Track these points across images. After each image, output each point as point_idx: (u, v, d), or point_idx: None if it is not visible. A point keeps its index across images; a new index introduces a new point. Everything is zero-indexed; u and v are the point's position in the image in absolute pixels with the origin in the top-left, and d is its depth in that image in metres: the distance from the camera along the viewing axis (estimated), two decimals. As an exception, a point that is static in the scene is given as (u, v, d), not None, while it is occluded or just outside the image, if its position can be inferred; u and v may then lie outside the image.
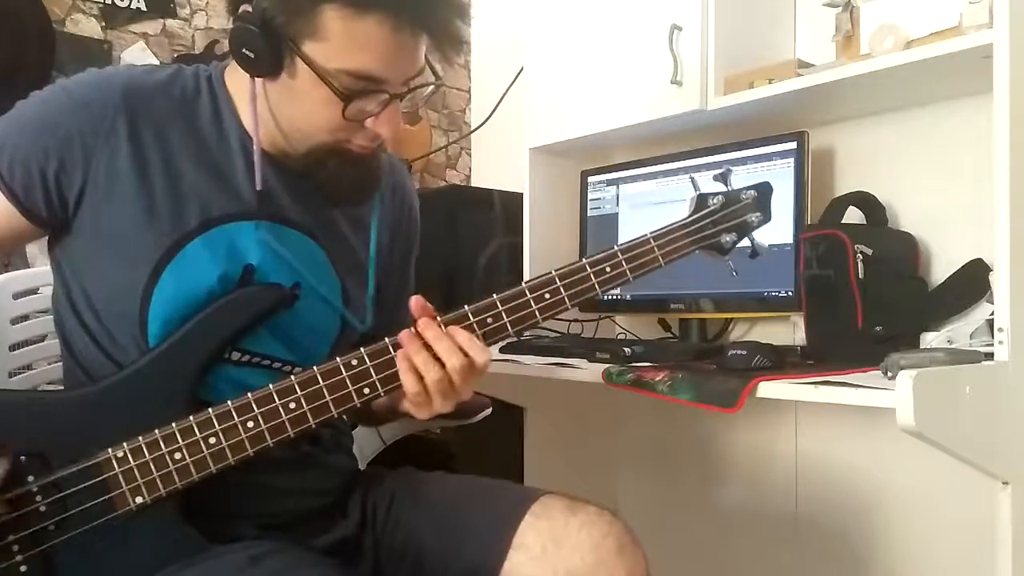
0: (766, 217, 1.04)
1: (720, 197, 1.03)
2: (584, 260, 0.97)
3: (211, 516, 0.91)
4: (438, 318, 0.91)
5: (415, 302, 0.91)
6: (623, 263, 0.97)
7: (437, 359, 0.88)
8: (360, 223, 1.06)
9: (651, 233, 0.99)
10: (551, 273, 0.95)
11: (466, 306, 0.93)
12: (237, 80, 0.97)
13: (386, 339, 0.91)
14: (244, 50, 0.88)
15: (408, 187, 1.16)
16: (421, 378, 0.88)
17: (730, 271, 1.04)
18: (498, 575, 0.94)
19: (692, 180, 1.06)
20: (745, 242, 1.04)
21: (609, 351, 1.40)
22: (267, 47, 0.87)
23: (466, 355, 0.88)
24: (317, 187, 0.96)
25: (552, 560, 0.92)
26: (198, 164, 0.94)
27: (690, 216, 1.02)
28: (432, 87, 0.96)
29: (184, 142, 0.94)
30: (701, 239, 1.01)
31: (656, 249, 0.98)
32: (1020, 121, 1.06)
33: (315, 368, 0.89)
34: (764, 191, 1.04)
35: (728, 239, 1.02)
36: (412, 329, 0.90)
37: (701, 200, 1.03)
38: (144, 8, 1.96)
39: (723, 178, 1.04)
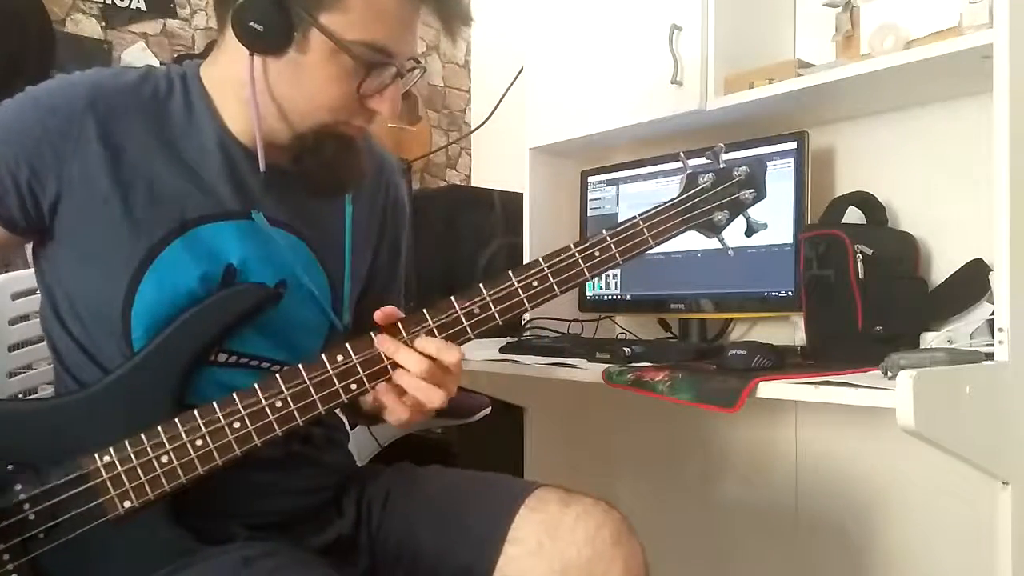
0: (760, 194, 1.01)
1: (711, 175, 0.99)
2: (572, 246, 0.95)
3: (203, 517, 0.90)
4: (400, 327, 0.91)
5: (380, 315, 0.91)
6: (612, 247, 0.95)
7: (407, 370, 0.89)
8: (341, 216, 1.04)
9: (640, 215, 0.97)
10: (539, 261, 0.94)
11: (452, 297, 0.92)
12: (216, 75, 0.96)
13: (371, 333, 0.91)
14: (252, 23, 0.86)
15: (390, 168, 1.14)
16: (402, 393, 0.90)
17: (726, 250, 1.02)
18: (494, 570, 0.93)
19: (682, 158, 1.03)
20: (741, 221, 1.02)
21: (609, 351, 1.40)
22: (279, 20, 0.86)
23: (434, 359, 0.89)
24: (306, 174, 0.95)
25: (548, 553, 0.91)
26: (172, 165, 0.93)
27: (680, 195, 0.99)
28: (421, 70, 0.98)
29: (157, 143, 0.93)
30: (692, 218, 0.99)
31: (646, 231, 0.96)
32: (1020, 121, 1.06)
33: (300, 366, 0.89)
34: (757, 167, 1.01)
35: (720, 217, 0.99)
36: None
37: (691, 178, 1.00)
38: (144, 8, 1.96)
39: (715, 155, 1.01)
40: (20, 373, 1.20)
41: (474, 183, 2.51)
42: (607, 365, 1.35)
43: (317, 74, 0.89)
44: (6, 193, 0.90)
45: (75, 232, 0.91)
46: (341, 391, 0.89)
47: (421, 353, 0.89)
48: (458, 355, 0.90)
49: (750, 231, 1.02)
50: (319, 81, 0.89)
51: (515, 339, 1.64)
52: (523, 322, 1.80)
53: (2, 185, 0.89)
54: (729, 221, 1.01)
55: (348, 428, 1.14)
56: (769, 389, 1.12)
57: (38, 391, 1.22)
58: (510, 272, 0.94)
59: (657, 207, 0.98)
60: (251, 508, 0.95)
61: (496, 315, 0.93)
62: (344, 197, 1.03)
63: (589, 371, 1.35)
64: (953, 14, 1.22)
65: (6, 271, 1.21)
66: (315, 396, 0.89)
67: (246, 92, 0.91)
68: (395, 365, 0.90)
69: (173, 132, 0.94)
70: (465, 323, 0.92)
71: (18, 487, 0.84)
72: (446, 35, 0.94)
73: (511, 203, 1.93)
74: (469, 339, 0.93)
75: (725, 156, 1.02)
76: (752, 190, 1.00)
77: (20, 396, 1.19)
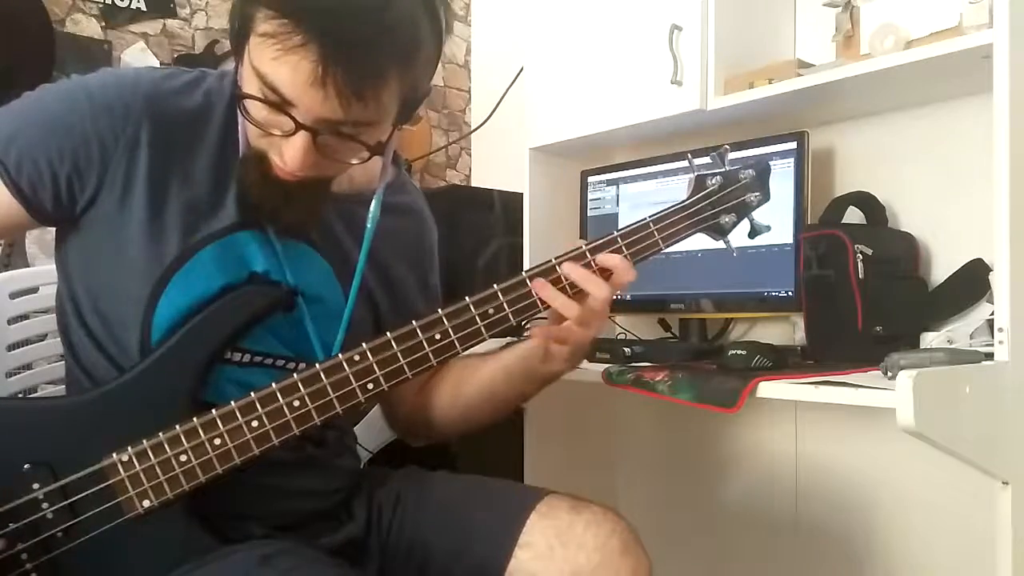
0: (765, 196, 1.03)
1: (718, 178, 1.01)
2: (584, 245, 0.96)
3: (218, 517, 0.90)
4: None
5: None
6: (623, 248, 0.97)
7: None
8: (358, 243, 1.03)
9: (650, 217, 0.99)
10: (551, 261, 0.95)
11: (467, 298, 0.93)
12: None
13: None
14: (229, 22, 0.85)
15: (420, 210, 1.14)
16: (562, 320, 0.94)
17: (730, 252, 1.03)
18: (504, 573, 0.94)
19: (689, 160, 1.04)
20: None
21: (609, 351, 1.41)
22: (235, 30, 0.84)
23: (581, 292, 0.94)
24: (240, 193, 0.92)
25: (558, 559, 0.92)
26: (211, 172, 0.93)
27: (689, 198, 1.01)
28: (362, 157, 0.88)
29: (201, 149, 0.93)
30: (700, 221, 1.00)
31: (656, 233, 0.98)
32: (1020, 121, 1.06)
33: (318, 365, 0.89)
34: (762, 169, 1.03)
35: (727, 220, 1.01)
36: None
37: (699, 181, 1.02)
38: (144, 8, 1.96)
39: (720, 157, 1.03)
40: (19, 373, 1.20)
41: (474, 183, 2.51)
42: (607, 365, 1.35)
43: (243, 87, 0.86)
44: (43, 185, 0.89)
45: (107, 230, 0.91)
46: (358, 390, 0.90)
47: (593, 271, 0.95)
48: (606, 292, 0.93)
49: (754, 233, 1.04)
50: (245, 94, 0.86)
51: (515, 340, 1.64)
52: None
53: (40, 177, 0.89)
54: (736, 223, 1.02)
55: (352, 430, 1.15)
56: (769, 389, 1.12)
57: (38, 391, 1.22)
58: (523, 272, 0.95)
59: (667, 209, 1.00)
60: (266, 509, 0.95)
61: (511, 316, 0.94)
62: (365, 226, 1.00)
63: (589, 371, 1.35)
64: (953, 14, 1.22)
65: (5, 270, 1.21)
66: (332, 396, 0.89)
67: None
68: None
69: (215, 139, 0.94)
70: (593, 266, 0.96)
71: (36, 486, 0.84)
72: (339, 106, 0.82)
73: (511, 203, 1.93)
74: (485, 339, 0.94)
75: (730, 157, 1.02)
76: (758, 193, 1.02)
77: (20, 396, 1.19)
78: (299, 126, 0.82)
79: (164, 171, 0.91)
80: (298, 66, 0.78)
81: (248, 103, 0.84)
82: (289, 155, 0.84)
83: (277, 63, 0.79)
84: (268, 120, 0.85)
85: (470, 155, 2.54)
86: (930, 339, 1.28)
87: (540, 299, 0.94)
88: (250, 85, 0.83)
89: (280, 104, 0.82)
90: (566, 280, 0.94)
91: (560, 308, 0.93)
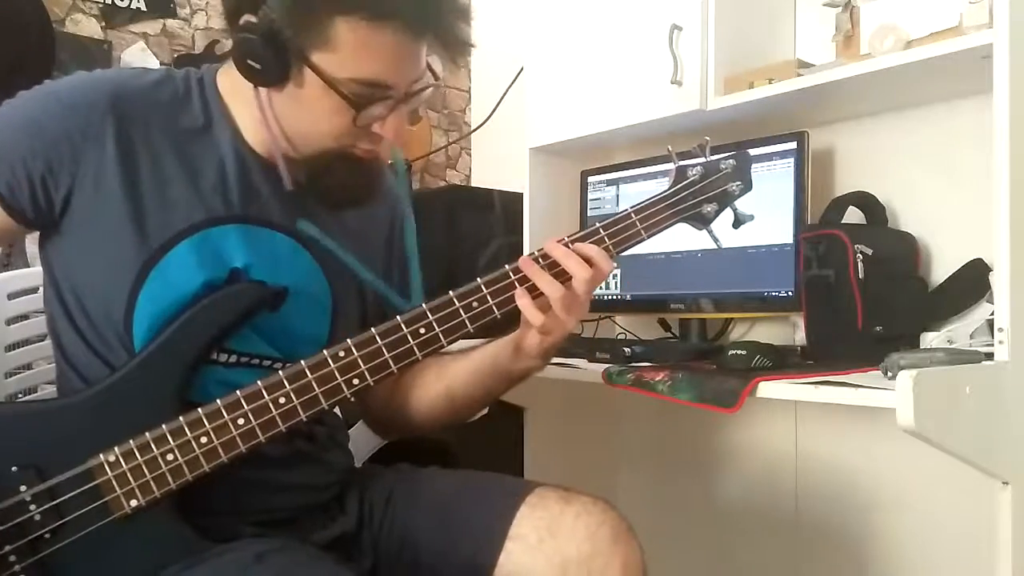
0: (746, 186, 1.04)
1: (699, 168, 1.03)
2: (566, 237, 0.97)
3: (209, 515, 0.90)
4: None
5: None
6: (605, 239, 0.98)
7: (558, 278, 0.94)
8: (347, 228, 1.05)
9: (632, 207, 1.00)
10: (534, 254, 0.96)
11: (451, 292, 0.94)
12: (231, 83, 0.96)
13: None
14: (249, 61, 0.88)
15: (394, 192, 1.16)
16: (545, 306, 0.94)
17: (714, 241, 1.04)
18: (494, 566, 0.94)
19: (670, 151, 1.05)
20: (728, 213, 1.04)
21: (609, 351, 1.41)
22: (274, 58, 0.87)
23: (591, 265, 0.94)
24: (322, 193, 0.97)
25: (548, 550, 0.92)
26: (185, 168, 0.94)
27: (670, 188, 1.02)
28: (431, 88, 0.96)
29: (171, 145, 0.94)
30: (682, 211, 1.02)
31: (638, 223, 0.99)
32: (1020, 121, 1.06)
33: (303, 362, 0.90)
34: (743, 159, 1.04)
35: (710, 209, 1.02)
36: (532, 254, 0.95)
37: (680, 172, 1.03)
38: (144, 8, 1.96)
39: (701, 149, 1.04)
40: (18, 373, 1.20)
41: (474, 183, 2.51)
42: (607, 365, 1.35)
43: (314, 107, 0.90)
44: (19, 186, 0.90)
45: (84, 229, 0.92)
46: (343, 385, 0.90)
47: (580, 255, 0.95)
48: (609, 265, 0.95)
49: (737, 223, 1.05)
50: (318, 113, 0.90)
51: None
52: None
53: (16, 177, 0.90)
54: (718, 213, 1.03)
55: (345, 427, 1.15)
56: (769, 389, 1.12)
57: (38, 391, 1.22)
58: (507, 266, 0.95)
59: (648, 200, 1.01)
60: (256, 505, 0.95)
61: (494, 307, 0.94)
62: (351, 214, 1.04)
63: (589, 371, 1.35)
64: (953, 14, 1.22)
65: (5, 270, 1.21)
66: (318, 391, 0.89)
67: (258, 115, 0.93)
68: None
69: (188, 136, 0.95)
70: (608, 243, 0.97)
71: (23, 488, 0.84)
72: (448, 64, 0.94)
73: (511, 203, 1.93)
74: (470, 333, 0.94)
75: (714, 157, 1.03)
76: (739, 182, 1.03)
77: (19, 396, 1.19)
78: (399, 101, 0.91)
79: (133, 167, 0.92)
80: (395, 51, 0.87)
81: (363, 110, 0.89)
82: (394, 131, 0.93)
83: (375, 60, 0.87)
84: (374, 115, 0.91)
85: (470, 155, 2.54)
86: (930, 339, 1.28)
87: (523, 279, 0.95)
88: (326, 99, 0.88)
89: (382, 94, 0.89)
90: (547, 260, 0.95)
91: (545, 287, 0.93)
